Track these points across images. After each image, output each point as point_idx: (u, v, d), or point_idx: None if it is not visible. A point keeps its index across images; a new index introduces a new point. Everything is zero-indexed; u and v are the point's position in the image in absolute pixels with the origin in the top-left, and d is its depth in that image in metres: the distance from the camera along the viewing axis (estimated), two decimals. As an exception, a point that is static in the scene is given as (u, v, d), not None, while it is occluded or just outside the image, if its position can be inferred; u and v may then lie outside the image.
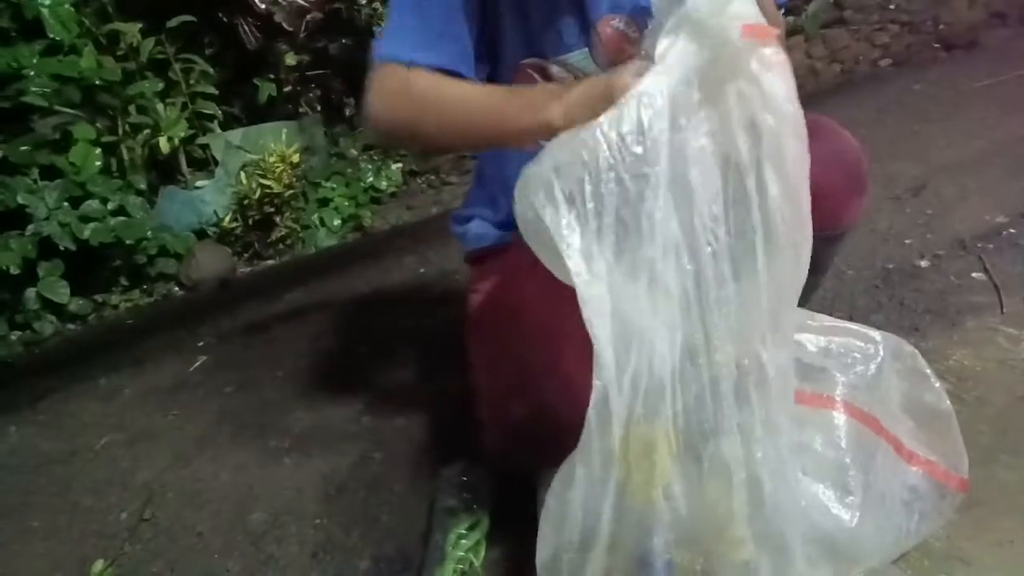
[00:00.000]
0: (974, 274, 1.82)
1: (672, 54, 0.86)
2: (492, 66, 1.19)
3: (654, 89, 0.85)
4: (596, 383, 0.87)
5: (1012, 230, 1.95)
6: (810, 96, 3.03)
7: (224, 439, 1.82)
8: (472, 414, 1.39)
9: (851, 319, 1.58)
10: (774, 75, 0.87)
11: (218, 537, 1.53)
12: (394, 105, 1.07)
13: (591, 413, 0.89)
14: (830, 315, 1.27)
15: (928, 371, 1.21)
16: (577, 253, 0.87)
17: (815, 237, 0.94)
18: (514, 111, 0.98)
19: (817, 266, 1.00)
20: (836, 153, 1.19)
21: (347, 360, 2.05)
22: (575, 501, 0.95)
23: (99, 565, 1.52)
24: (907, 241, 1.99)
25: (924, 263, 1.91)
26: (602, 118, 0.84)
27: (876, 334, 1.19)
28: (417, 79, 1.06)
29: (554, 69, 1.12)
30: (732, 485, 0.94)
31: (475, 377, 1.37)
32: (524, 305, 1.17)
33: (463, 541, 1.32)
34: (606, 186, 0.85)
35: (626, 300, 0.88)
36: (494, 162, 1.34)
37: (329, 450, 1.69)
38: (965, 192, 2.17)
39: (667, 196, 0.87)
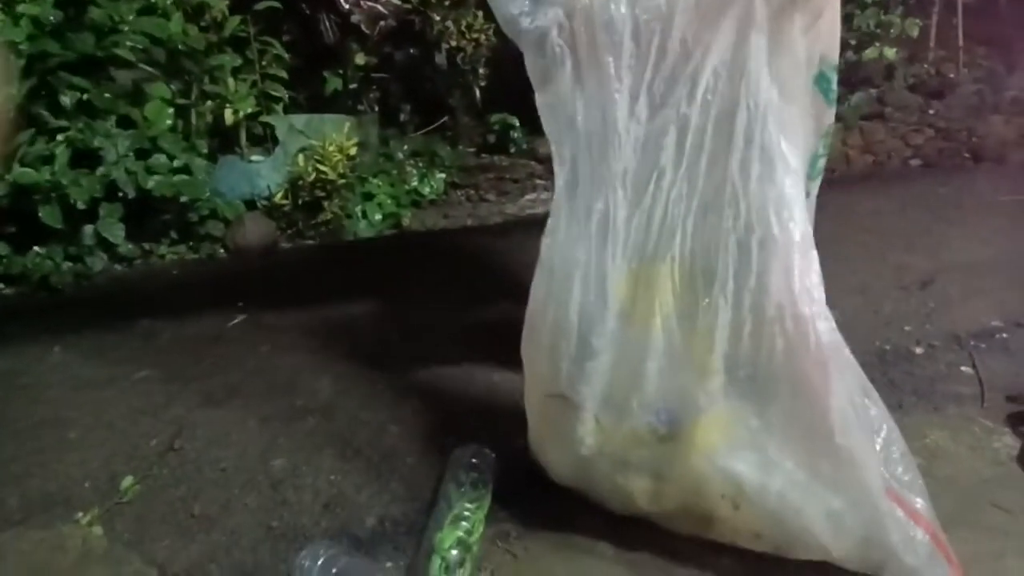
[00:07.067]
0: (963, 368, 1.97)
1: None
2: None
3: None
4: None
5: (1005, 335, 2.10)
6: (839, 180, 3.20)
7: (254, 391, 1.97)
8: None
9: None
10: None
11: (240, 475, 1.66)
12: None
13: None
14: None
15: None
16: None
17: None
18: None
19: None
20: None
21: (377, 339, 2.20)
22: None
23: (128, 480, 1.66)
24: (907, 328, 2.14)
25: (919, 350, 2.06)
26: None
27: None
28: None
29: None
30: (718, 325, 1.18)
31: None
32: None
33: (466, 514, 1.46)
34: None
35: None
36: None
37: (351, 417, 1.84)
38: (968, 293, 2.32)
39: None
